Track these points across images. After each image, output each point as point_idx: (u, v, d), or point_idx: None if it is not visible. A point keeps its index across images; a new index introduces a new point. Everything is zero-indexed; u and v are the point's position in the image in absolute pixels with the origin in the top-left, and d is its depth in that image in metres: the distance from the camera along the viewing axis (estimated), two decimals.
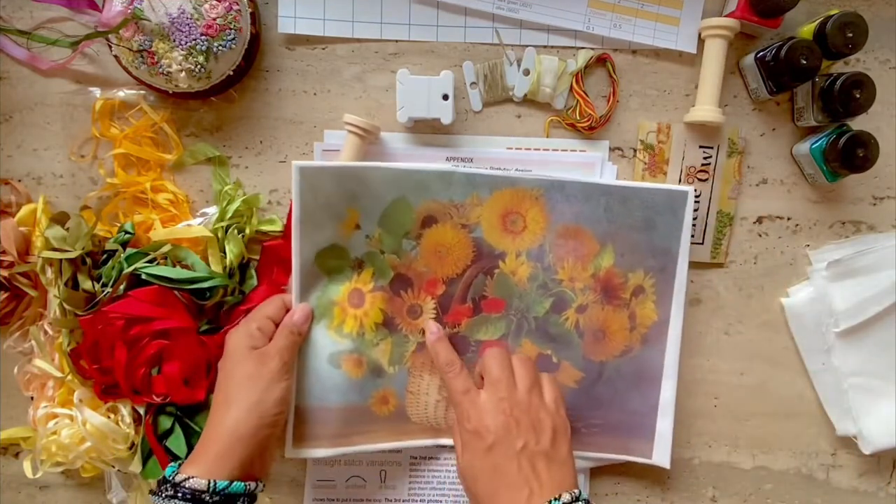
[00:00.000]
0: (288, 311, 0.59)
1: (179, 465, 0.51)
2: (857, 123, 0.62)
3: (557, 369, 0.61)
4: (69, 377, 0.59)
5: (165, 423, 0.58)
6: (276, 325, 0.58)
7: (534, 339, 0.61)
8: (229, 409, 0.53)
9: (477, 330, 0.61)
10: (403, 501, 0.64)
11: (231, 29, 0.56)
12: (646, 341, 0.62)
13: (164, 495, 0.49)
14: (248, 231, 0.61)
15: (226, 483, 0.49)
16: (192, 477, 0.49)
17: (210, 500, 0.49)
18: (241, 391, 0.54)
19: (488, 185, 0.59)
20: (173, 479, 0.49)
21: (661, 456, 0.62)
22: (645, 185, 0.60)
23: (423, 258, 0.60)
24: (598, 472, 0.65)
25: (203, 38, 0.55)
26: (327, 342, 0.61)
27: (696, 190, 0.62)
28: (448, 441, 0.62)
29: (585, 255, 0.60)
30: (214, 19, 0.55)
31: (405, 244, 0.60)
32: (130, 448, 0.59)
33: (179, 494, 0.48)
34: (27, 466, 0.61)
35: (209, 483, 0.49)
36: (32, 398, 0.62)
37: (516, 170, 0.62)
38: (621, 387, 0.62)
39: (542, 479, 0.50)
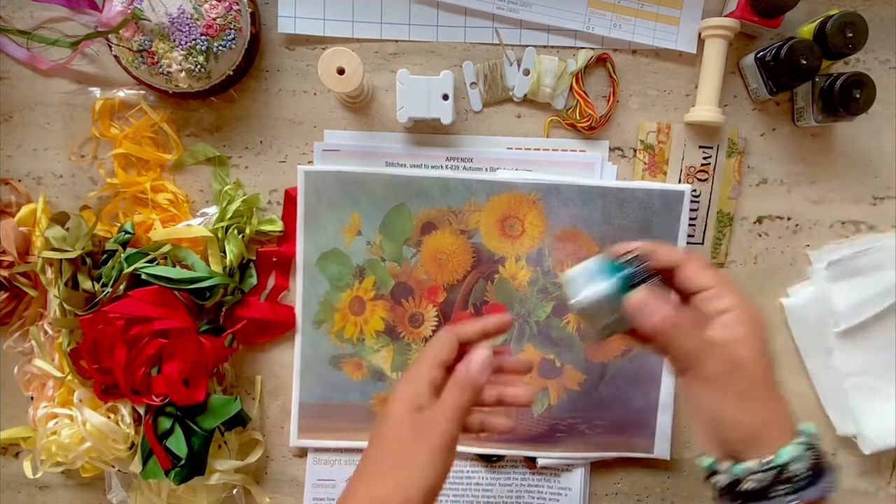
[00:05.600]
0: (462, 348, 0.47)
1: None
2: (857, 123, 0.62)
3: (561, 373, 0.62)
4: (69, 377, 0.59)
5: (165, 423, 0.58)
6: (448, 371, 0.46)
7: (536, 343, 0.61)
8: (369, 482, 0.43)
9: None
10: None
11: (231, 29, 0.56)
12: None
13: None
14: (248, 231, 0.61)
15: None
16: None
17: None
18: (383, 464, 0.43)
19: (485, 191, 0.60)
20: None
21: (661, 449, 0.63)
22: (641, 185, 0.61)
23: (424, 265, 0.61)
24: (599, 471, 0.65)
25: (203, 38, 0.55)
26: (328, 345, 0.62)
27: (695, 190, 0.62)
28: None
29: (584, 258, 0.60)
30: (214, 19, 0.55)
31: (405, 251, 0.61)
32: (130, 448, 0.60)
33: None
34: (27, 466, 0.61)
35: None
36: (32, 398, 0.62)
37: (516, 169, 0.62)
38: (623, 387, 0.62)
39: None
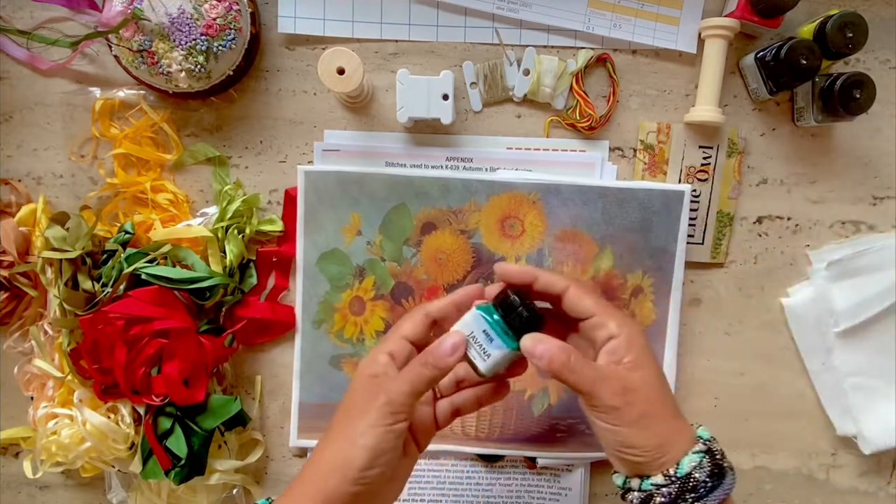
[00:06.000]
0: (433, 325, 0.47)
1: (271, 501, 0.47)
2: (857, 123, 0.62)
3: None
4: (69, 377, 0.59)
5: (165, 423, 0.58)
6: (419, 349, 0.46)
7: None
8: (323, 444, 0.45)
9: None
10: (403, 501, 0.64)
11: (231, 29, 0.56)
12: None
13: None
14: (248, 231, 0.61)
15: None
16: None
17: None
18: (336, 428, 0.45)
19: (485, 191, 0.60)
20: None
21: None
22: (641, 185, 0.61)
23: (424, 265, 0.61)
24: (599, 471, 0.65)
25: (203, 38, 0.55)
26: (328, 345, 0.62)
27: (695, 190, 0.62)
28: (450, 446, 0.62)
29: (585, 258, 0.60)
30: (214, 19, 0.55)
31: (405, 251, 0.61)
32: (130, 448, 0.60)
33: None
34: (27, 466, 0.61)
35: None
36: (32, 398, 0.62)
37: (516, 169, 0.62)
38: None
39: None
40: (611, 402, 0.43)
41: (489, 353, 0.45)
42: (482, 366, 0.45)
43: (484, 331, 0.45)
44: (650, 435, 0.43)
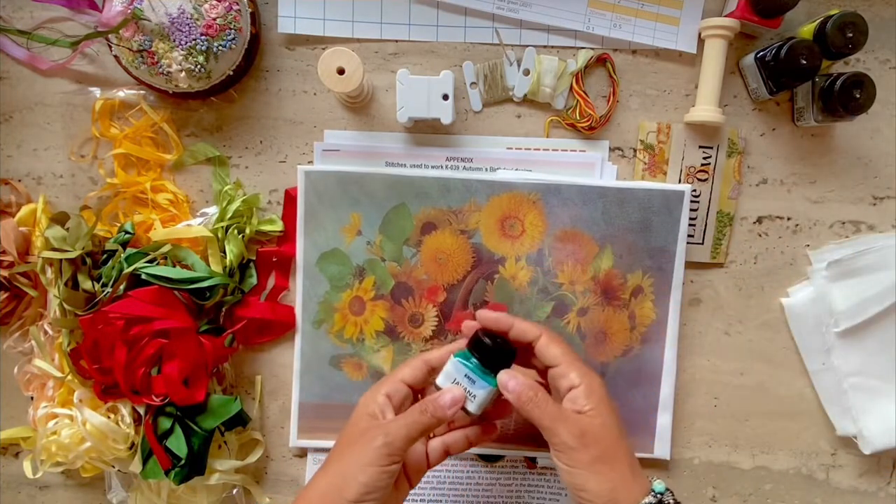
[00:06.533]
0: (431, 372, 0.51)
1: None
2: (857, 123, 0.62)
3: None
4: (69, 377, 0.59)
5: (165, 423, 0.58)
6: (414, 393, 0.51)
7: None
8: (320, 474, 0.48)
9: None
10: (403, 501, 0.64)
11: (231, 29, 0.56)
12: (645, 340, 0.62)
13: None
14: (248, 231, 0.61)
15: None
16: None
17: None
18: (334, 459, 0.48)
19: (485, 191, 0.60)
20: None
21: (661, 449, 0.63)
22: (641, 184, 0.61)
23: (424, 265, 0.61)
24: None
25: (203, 38, 0.55)
26: (328, 345, 0.62)
27: (695, 190, 0.62)
28: None
29: (585, 258, 0.61)
30: (214, 19, 0.55)
31: (405, 251, 0.61)
32: (130, 448, 0.60)
33: None
34: (27, 466, 0.61)
35: None
36: (32, 398, 0.62)
37: (516, 169, 0.62)
38: (623, 386, 0.62)
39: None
40: (568, 441, 0.46)
41: (475, 394, 0.49)
42: (471, 406, 0.49)
43: (466, 375, 0.49)
44: (603, 480, 0.46)
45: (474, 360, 0.50)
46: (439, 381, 0.50)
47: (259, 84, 0.62)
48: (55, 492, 0.66)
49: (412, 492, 0.64)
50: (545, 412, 0.47)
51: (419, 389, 0.52)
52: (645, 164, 0.62)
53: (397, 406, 0.49)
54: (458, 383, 0.49)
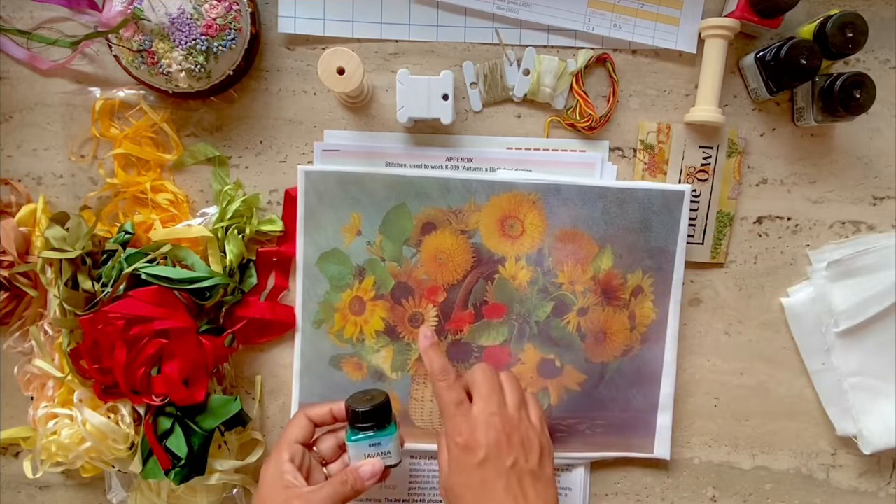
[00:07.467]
0: (316, 424, 0.55)
1: None
2: (857, 123, 0.62)
3: (561, 373, 0.62)
4: (69, 377, 0.59)
5: (165, 423, 0.58)
6: (309, 449, 0.55)
7: (536, 343, 0.61)
8: None
9: (479, 336, 0.61)
10: (403, 501, 0.64)
11: (231, 29, 0.56)
12: (645, 340, 0.62)
13: None
14: (248, 231, 0.61)
15: None
16: None
17: None
18: None
19: (485, 191, 0.60)
20: None
21: (661, 449, 0.63)
22: (641, 184, 0.61)
23: (424, 265, 0.61)
24: (599, 471, 0.65)
25: (203, 38, 0.55)
26: (328, 345, 0.62)
27: (695, 190, 0.62)
28: None
29: (585, 258, 0.60)
30: (214, 19, 0.55)
31: (405, 251, 0.61)
32: (130, 448, 0.59)
33: None
34: (27, 466, 0.61)
35: None
36: (32, 398, 0.62)
37: (516, 169, 0.62)
38: (623, 386, 0.62)
39: (529, 498, 0.50)
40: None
41: (388, 451, 0.54)
42: (391, 461, 0.54)
43: (369, 445, 0.53)
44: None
45: (363, 431, 0.53)
46: (351, 464, 0.53)
47: (259, 84, 0.62)
48: (55, 492, 0.66)
49: (412, 492, 0.64)
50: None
51: (308, 446, 0.55)
52: (645, 164, 0.62)
53: (300, 466, 0.52)
54: (368, 455, 0.53)
